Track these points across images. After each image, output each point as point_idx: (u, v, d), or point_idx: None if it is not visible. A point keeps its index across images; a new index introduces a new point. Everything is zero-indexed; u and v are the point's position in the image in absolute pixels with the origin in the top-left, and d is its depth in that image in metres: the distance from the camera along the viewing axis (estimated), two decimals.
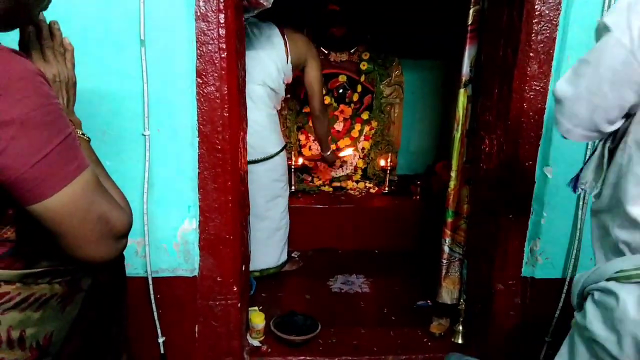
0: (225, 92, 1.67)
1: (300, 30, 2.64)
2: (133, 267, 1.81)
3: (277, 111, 2.64)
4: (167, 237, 1.79)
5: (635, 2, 0.86)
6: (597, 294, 1.01)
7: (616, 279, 0.95)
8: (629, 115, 0.96)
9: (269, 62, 2.44)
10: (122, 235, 0.83)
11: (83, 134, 0.96)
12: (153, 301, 1.81)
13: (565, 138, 1.04)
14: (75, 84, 0.96)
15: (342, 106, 3.51)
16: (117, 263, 1.00)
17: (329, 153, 3.16)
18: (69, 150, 0.73)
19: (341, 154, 3.53)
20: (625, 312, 0.92)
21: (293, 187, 3.31)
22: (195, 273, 1.83)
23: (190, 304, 1.85)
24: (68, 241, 0.75)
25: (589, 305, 1.03)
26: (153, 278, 1.80)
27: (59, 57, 0.93)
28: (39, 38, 0.90)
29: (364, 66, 3.48)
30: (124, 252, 0.91)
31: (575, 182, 1.17)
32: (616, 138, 1.01)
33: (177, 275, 1.83)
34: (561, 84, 1.00)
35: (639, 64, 0.86)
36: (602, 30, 0.93)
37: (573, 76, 0.98)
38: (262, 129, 2.49)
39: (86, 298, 0.89)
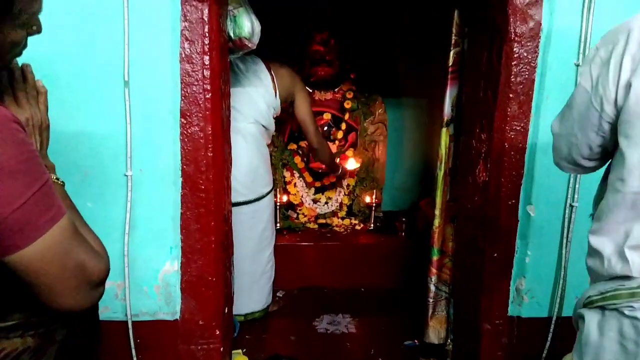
0: (210, 132, 1.68)
1: (285, 64, 2.65)
2: (112, 310, 1.76)
3: (268, 147, 2.64)
4: (148, 279, 1.75)
5: (596, 53, 0.96)
6: (578, 321, 1.07)
7: (586, 305, 1.02)
8: (609, 154, 1.03)
9: (258, 99, 2.45)
10: (100, 283, 0.81)
11: (57, 179, 0.94)
12: (133, 346, 1.76)
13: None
14: (48, 127, 0.94)
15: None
16: (92, 311, 0.97)
17: (339, 172, 3.27)
18: (46, 198, 0.71)
19: (349, 167, 3.51)
20: (589, 335, 0.99)
21: (278, 225, 3.29)
22: (177, 316, 1.79)
23: (172, 348, 1.80)
24: (44, 291, 0.72)
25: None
26: (133, 322, 1.75)
27: (32, 100, 0.91)
28: (11, 81, 0.88)
29: (347, 104, 3.52)
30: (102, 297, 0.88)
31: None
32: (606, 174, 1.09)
33: (158, 318, 1.78)
34: (553, 122, 1.14)
35: (595, 108, 0.96)
36: (578, 78, 1.01)
37: (560, 116, 1.11)
38: (257, 167, 2.48)
39: (60, 350, 0.85)
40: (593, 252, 1.01)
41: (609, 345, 0.94)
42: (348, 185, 3.64)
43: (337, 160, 3.34)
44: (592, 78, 0.96)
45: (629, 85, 0.88)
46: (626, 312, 0.91)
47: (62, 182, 0.95)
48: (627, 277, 0.92)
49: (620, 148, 0.93)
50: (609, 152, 1.03)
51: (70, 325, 0.87)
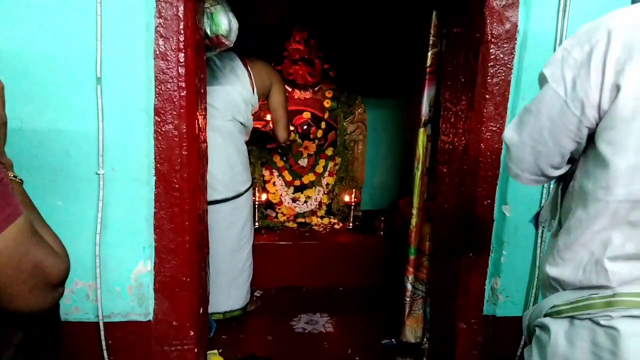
0: (184, 130, 1.65)
1: (263, 59, 2.62)
2: (84, 311, 1.73)
3: (246, 145, 2.61)
4: (120, 280, 1.71)
5: (568, 54, 0.90)
6: (537, 330, 1.04)
7: (550, 315, 0.99)
8: (574, 160, 0.99)
9: (236, 96, 2.42)
10: (59, 284, 0.78)
11: (15, 176, 0.90)
12: (104, 347, 1.72)
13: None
14: (5, 123, 0.90)
15: (306, 142, 3.52)
16: (52, 312, 0.94)
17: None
18: (1, 197, 0.69)
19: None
20: (556, 346, 0.95)
21: (257, 224, 3.27)
22: (150, 317, 1.76)
23: (144, 350, 1.77)
24: (0, 292, 0.70)
25: (533, 341, 1.06)
26: (105, 323, 1.72)
27: None
28: None
29: (327, 104, 3.52)
30: (65, 299, 0.85)
31: (536, 220, 1.20)
32: (567, 181, 1.04)
33: (131, 319, 1.75)
34: (509, 131, 1.04)
35: (572, 113, 0.89)
36: (542, 81, 0.97)
37: (518, 123, 1.02)
38: (234, 165, 2.46)
39: (17, 354, 0.83)
40: (561, 262, 0.97)
41: (581, 355, 0.92)
42: (327, 184, 3.63)
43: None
44: (566, 80, 0.89)
45: (616, 88, 0.83)
46: (602, 321, 0.89)
47: (20, 179, 0.91)
48: (602, 287, 0.90)
49: (600, 155, 0.87)
50: (574, 158, 0.99)
51: (27, 327, 0.84)
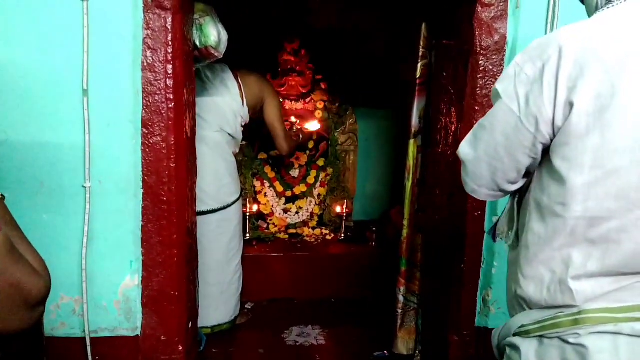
0: (172, 143, 1.64)
1: (255, 71, 2.60)
2: (70, 326, 1.70)
3: (235, 156, 2.59)
4: (107, 294, 1.69)
5: (520, 70, 0.90)
6: (508, 350, 1.03)
7: (519, 334, 0.98)
8: (529, 174, 0.99)
9: (225, 107, 2.41)
10: (38, 304, 0.76)
11: None
12: None
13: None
14: None
15: (297, 153, 3.51)
16: (34, 329, 0.92)
17: (300, 141, 3.10)
18: None
19: (311, 129, 3.37)
20: None
21: (248, 235, 3.24)
22: (138, 332, 1.73)
23: None
24: None
25: None
26: (91, 338, 1.69)
27: None
28: None
29: (318, 114, 3.51)
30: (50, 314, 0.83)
31: (494, 232, 1.19)
32: (522, 193, 1.04)
33: (118, 334, 1.72)
34: (463, 147, 1.03)
35: (526, 129, 0.89)
36: (495, 97, 0.96)
37: (473, 139, 1.01)
38: (222, 176, 2.44)
39: None
40: (523, 280, 0.96)
41: None
42: (319, 195, 3.62)
43: (297, 136, 3.10)
44: (519, 97, 0.89)
45: (569, 105, 0.83)
46: (570, 339, 0.89)
47: (2, 195, 0.89)
48: (568, 306, 0.90)
49: (556, 171, 0.87)
50: (530, 172, 0.98)
51: (6, 346, 0.82)
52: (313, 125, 3.40)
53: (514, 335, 0.99)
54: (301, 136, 3.12)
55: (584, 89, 0.82)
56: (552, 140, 0.88)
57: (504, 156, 0.95)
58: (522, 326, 0.97)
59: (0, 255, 0.69)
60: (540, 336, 0.93)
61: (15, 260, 0.72)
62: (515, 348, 0.98)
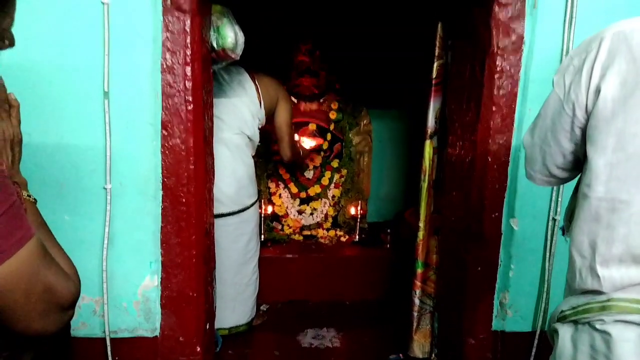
0: (191, 144, 1.65)
1: (270, 74, 2.62)
2: (90, 327, 1.72)
3: (252, 158, 2.60)
4: (127, 295, 1.71)
5: (570, 61, 0.97)
6: (553, 335, 1.06)
7: (559, 319, 1.02)
8: (580, 163, 1.04)
9: (244, 109, 2.42)
10: (69, 306, 0.77)
11: (29, 196, 0.91)
12: None
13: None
14: (21, 141, 0.91)
15: (312, 154, 3.52)
16: (63, 330, 0.93)
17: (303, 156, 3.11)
18: (13, 219, 0.68)
19: (306, 146, 3.38)
20: (563, 350, 0.99)
21: (263, 236, 3.25)
22: (157, 333, 1.75)
23: None
24: (9, 315, 0.69)
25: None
26: (111, 339, 1.71)
27: (4, 114, 0.88)
28: None
29: (333, 115, 3.51)
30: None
31: (564, 227, 1.22)
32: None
33: (137, 335, 1.74)
34: (525, 134, 1.14)
35: (566, 113, 0.97)
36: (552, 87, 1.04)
37: (532, 127, 1.11)
38: (241, 178, 2.45)
39: None
40: (568, 265, 1.02)
41: (582, 359, 0.94)
42: (333, 196, 3.62)
43: (300, 150, 3.11)
44: (565, 85, 0.97)
45: (598, 90, 0.89)
46: (597, 325, 0.91)
47: (34, 199, 0.91)
48: (598, 292, 0.93)
49: (587, 154, 0.94)
50: (581, 161, 1.03)
51: (38, 347, 0.83)
52: (308, 143, 3.42)
53: (557, 320, 1.03)
54: (302, 152, 3.12)
55: (612, 77, 0.88)
56: (586, 126, 0.94)
57: (550, 140, 1.03)
58: (562, 312, 1.01)
59: (33, 261, 0.70)
60: (575, 321, 0.97)
61: (47, 264, 0.74)
62: (556, 333, 1.02)
